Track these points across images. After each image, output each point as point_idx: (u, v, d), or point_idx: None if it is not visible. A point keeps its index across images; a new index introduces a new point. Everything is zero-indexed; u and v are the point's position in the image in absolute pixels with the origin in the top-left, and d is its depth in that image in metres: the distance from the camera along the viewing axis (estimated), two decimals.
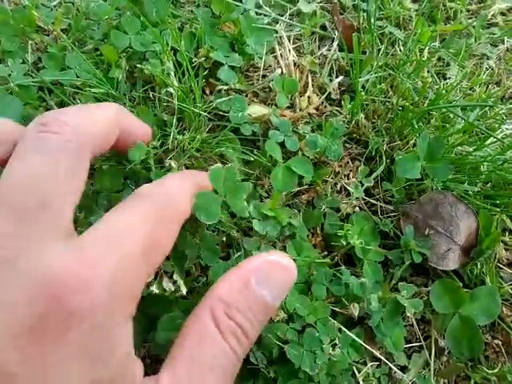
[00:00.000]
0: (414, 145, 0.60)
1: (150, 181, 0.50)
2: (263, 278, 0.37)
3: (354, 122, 0.60)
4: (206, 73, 0.59)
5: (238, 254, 0.50)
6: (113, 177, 0.50)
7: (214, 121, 0.59)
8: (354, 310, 0.49)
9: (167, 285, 0.45)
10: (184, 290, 0.45)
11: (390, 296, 0.52)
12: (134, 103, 0.57)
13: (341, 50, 0.66)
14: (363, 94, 0.59)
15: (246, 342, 0.36)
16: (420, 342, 0.56)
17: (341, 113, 0.62)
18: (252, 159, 0.56)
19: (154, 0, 0.58)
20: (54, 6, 0.69)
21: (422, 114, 0.58)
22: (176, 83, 0.54)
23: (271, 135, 0.56)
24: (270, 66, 0.65)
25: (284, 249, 0.53)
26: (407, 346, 0.55)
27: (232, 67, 0.60)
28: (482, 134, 0.60)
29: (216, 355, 0.34)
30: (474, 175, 0.58)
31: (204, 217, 0.44)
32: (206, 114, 0.56)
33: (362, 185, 0.57)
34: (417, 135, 0.59)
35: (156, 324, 0.47)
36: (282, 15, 0.68)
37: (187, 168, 0.55)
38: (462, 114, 0.61)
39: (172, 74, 0.55)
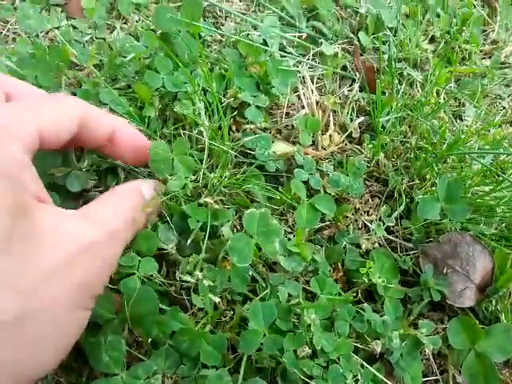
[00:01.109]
0: (433, 184, 0.62)
1: (184, 216, 0.53)
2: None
3: (374, 161, 0.63)
4: (234, 112, 0.62)
5: (265, 292, 0.52)
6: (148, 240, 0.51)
7: (238, 157, 0.61)
8: (377, 347, 0.51)
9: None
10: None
11: (409, 332, 0.54)
12: (165, 140, 0.60)
13: (361, 90, 0.69)
14: (385, 135, 0.62)
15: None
16: (436, 375, 0.57)
17: (361, 151, 0.65)
18: (278, 197, 0.58)
19: (187, 41, 0.61)
20: (86, 42, 0.72)
21: (441, 157, 0.60)
22: (207, 123, 0.57)
23: (296, 174, 0.59)
24: (292, 104, 0.67)
25: (307, 283, 0.56)
26: (424, 379, 0.56)
27: (258, 107, 0.63)
28: (498, 175, 0.63)
29: None
30: (489, 216, 0.61)
31: (237, 259, 0.47)
32: (233, 151, 0.59)
33: (384, 223, 0.59)
34: (435, 175, 0.61)
35: (184, 357, 0.49)
36: (305, 55, 0.71)
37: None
38: (477, 154, 0.64)
39: (203, 113, 0.57)
